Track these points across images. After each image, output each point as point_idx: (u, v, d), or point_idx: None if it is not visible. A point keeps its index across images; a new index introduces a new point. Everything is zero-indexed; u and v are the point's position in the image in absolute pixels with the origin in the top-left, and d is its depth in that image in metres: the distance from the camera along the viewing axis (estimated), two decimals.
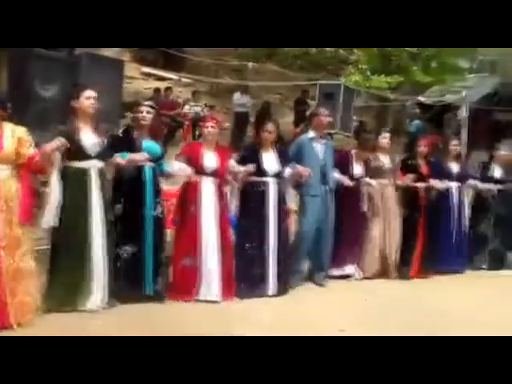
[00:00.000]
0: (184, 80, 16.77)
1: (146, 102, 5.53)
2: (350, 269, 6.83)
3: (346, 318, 5.25)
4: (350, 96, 10.69)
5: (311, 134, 6.53)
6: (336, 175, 6.62)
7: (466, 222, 7.85)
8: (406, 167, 7.22)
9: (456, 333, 4.56)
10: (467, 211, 7.88)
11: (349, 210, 6.73)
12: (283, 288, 5.95)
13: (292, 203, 6.80)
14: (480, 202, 8.03)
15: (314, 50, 16.76)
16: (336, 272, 6.76)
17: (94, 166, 4.95)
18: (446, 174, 7.48)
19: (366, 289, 6.49)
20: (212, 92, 16.64)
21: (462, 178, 7.69)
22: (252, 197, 5.95)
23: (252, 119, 13.97)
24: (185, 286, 5.53)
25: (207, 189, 5.65)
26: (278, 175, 6.00)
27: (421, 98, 16.36)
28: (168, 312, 5.17)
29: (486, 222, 7.95)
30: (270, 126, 6.01)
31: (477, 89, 17.16)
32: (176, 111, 13.40)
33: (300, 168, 6.08)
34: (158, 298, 5.35)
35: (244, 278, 5.77)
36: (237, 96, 14.31)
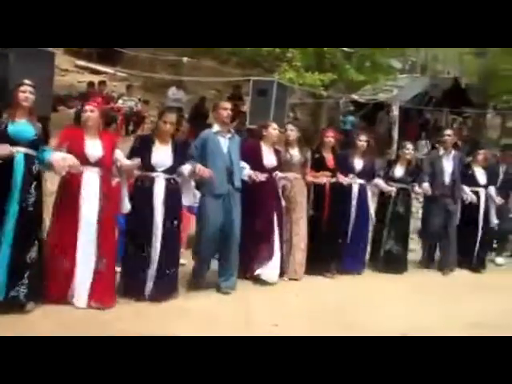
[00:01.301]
0: (119, 74, 16.56)
1: (27, 81, 4.78)
2: (267, 270, 6.43)
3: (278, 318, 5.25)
4: (284, 92, 10.81)
5: (216, 127, 6.01)
6: (248, 171, 6.17)
7: (370, 221, 7.66)
8: (315, 160, 7.09)
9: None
10: (371, 210, 7.66)
11: (261, 206, 6.40)
12: (169, 291, 5.52)
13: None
14: (381, 202, 7.90)
15: None
16: (252, 273, 6.44)
17: None
18: (348, 169, 7.32)
19: (293, 288, 6.49)
20: (147, 86, 16.47)
21: (366, 175, 7.53)
22: (139, 193, 5.46)
23: (186, 114, 13.93)
24: (59, 290, 4.99)
25: (90, 181, 5.05)
26: (171, 171, 5.51)
27: (354, 96, 16.75)
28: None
29: (383, 221, 7.77)
30: (169, 117, 5.53)
31: (408, 89, 17.67)
32: (109, 105, 13.23)
33: (200, 167, 5.56)
34: (17, 304, 4.68)
35: (127, 279, 5.50)
36: (172, 91, 14.23)
